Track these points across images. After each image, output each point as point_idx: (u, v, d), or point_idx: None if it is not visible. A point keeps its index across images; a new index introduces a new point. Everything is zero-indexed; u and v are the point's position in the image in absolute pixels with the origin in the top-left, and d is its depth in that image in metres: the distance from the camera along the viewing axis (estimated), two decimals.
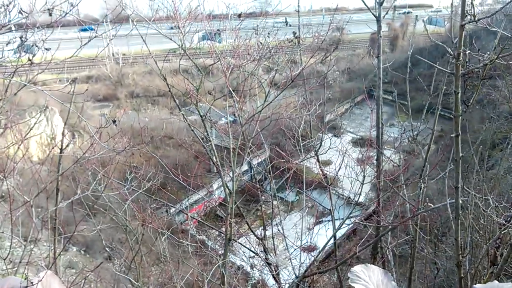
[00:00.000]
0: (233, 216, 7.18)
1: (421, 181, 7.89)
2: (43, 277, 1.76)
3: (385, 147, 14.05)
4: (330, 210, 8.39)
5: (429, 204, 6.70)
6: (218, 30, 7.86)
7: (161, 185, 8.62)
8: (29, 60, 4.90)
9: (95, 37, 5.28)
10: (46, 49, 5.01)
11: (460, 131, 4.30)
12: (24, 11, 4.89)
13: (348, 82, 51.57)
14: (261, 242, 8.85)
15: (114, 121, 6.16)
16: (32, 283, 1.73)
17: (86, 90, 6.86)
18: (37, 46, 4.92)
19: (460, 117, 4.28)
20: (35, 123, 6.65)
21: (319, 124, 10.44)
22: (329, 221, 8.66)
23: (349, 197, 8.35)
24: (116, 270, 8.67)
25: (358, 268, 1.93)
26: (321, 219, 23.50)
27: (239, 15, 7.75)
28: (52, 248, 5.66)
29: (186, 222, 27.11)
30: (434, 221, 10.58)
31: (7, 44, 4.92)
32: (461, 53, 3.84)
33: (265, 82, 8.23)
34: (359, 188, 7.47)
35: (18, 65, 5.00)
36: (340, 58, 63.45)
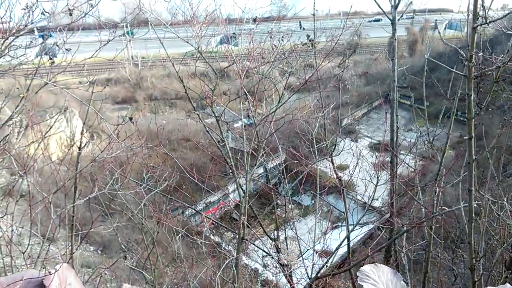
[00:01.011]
0: (246, 216, 7.24)
1: (436, 185, 7.81)
2: (59, 268, 1.83)
3: (402, 152, 13.92)
4: (345, 213, 8.36)
5: (443, 207, 6.63)
6: (233, 33, 7.96)
7: (177, 186, 8.71)
8: (50, 58, 5.05)
9: (113, 38, 5.40)
10: (67, 49, 5.15)
11: (473, 134, 4.30)
12: (46, 12, 5.04)
13: (366, 86, 51.16)
14: (274, 242, 8.86)
15: (130, 119, 6.31)
16: (50, 272, 1.80)
17: (104, 88, 6.99)
18: (57, 45, 5.06)
19: (473, 120, 4.27)
20: (54, 122, 6.82)
21: (333, 127, 10.41)
22: (344, 226, 8.63)
23: (365, 202, 8.29)
24: (131, 266, 8.78)
25: (367, 268, 1.93)
26: (336, 224, 23.36)
27: (254, 20, 7.84)
28: (69, 245, 5.78)
29: (202, 224, 27.27)
30: (452, 227, 10.41)
31: (29, 44, 5.08)
32: (473, 56, 3.83)
33: (279, 84, 8.27)
34: (374, 192, 7.43)
35: (39, 66, 5.15)
36: (358, 62, 63.10)
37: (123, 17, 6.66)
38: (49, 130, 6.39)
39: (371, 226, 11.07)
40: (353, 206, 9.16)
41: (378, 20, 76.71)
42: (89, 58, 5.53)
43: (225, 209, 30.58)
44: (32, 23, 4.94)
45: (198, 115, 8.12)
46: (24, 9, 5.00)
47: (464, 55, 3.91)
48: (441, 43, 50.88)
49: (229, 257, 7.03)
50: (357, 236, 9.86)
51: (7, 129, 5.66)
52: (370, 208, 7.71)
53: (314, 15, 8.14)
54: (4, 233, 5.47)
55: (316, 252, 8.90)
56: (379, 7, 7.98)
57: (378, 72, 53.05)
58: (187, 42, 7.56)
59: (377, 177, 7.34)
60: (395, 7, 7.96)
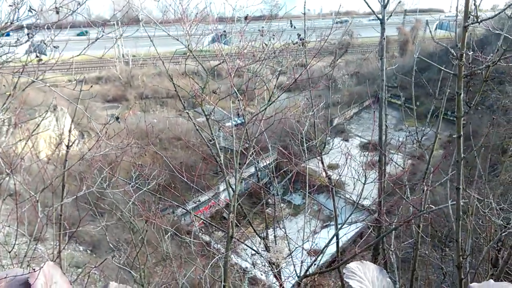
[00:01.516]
0: (235, 214, 7.23)
1: (424, 183, 7.90)
2: (43, 266, 1.80)
3: (392, 151, 14.00)
4: (333, 211, 8.41)
5: (430, 206, 6.70)
6: (224, 31, 7.94)
7: (167, 185, 8.66)
8: (37, 56, 4.98)
9: (101, 36, 5.34)
10: (55, 47, 5.09)
11: (462, 133, 4.33)
12: (33, 9, 4.97)
13: (357, 85, 51.44)
14: (263, 240, 8.88)
15: (117, 118, 6.26)
16: (34, 269, 1.78)
17: (91, 86, 6.93)
18: (45, 43, 5.00)
19: (462, 119, 4.29)
20: (42, 120, 6.73)
21: (324, 127, 10.44)
22: (334, 225, 8.65)
23: (354, 201, 8.33)
24: (119, 265, 8.71)
25: (353, 265, 1.93)
26: (327, 223, 23.45)
27: (245, 18, 7.82)
28: (57, 244, 5.72)
29: (192, 223, 27.13)
30: (441, 226, 10.52)
31: (15, 42, 5.00)
32: (464, 54, 3.86)
33: (269, 82, 8.27)
34: (362, 190, 7.47)
35: (26, 63, 5.08)
36: (349, 61, 63.39)
37: (113, 15, 6.60)
38: (37, 128, 6.31)
39: (360, 225, 11.12)
40: (343, 205, 9.20)
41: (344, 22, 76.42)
42: (77, 55, 5.46)
43: (216, 209, 30.54)
44: (18, 20, 4.86)
45: (188, 113, 8.09)
46: (11, 5, 4.93)
47: (455, 54, 3.93)
48: (431, 43, 51.31)
49: (218, 256, 7.02)
50: (346, 234, 9.89)
51: None
52: (359, 207, 7.74)
53: (304, 14, 8.15)
54: None
55: (305, 251, 8.93)
56: (369, 6, 8.02)
57: (369, 71, 53.33)
58: (178, 40, 7.52)
59: (365, 176, 7.37)
60: (384, 6, 8.00)
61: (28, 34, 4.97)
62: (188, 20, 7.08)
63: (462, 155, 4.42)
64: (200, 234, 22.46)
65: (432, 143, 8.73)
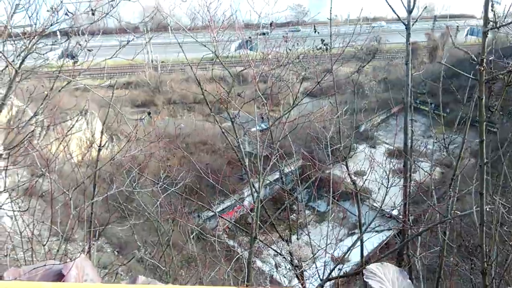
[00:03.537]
0: (258, 216, 7.34)
1: (450, 190, 7.78)
2: (76, 259, 1.92)
3: (420, 159, 13.73)
4: (358, 217, 8.37)
5: (456, 212, 6.59)
6: (249, 37, 8.08)
7: (193, 189, 8.80)
8: (73, 57, 5.23)
9: (132, 39, 5.57)
10: (89, 50, 5.33)
11: (484, 137, 4.34)
12: (70, 12, 5.22)
13: (385, 92, 50.69)
14: (287, 243, 8.92)
15: (149, 113, 6.55)
16: (71, 259, 1.90)
17: (127, 91, 7.19)
18: (80, 45, 5.24)
19: (485, 123, 4.32)
20: (75, 122, 7.04)
21: (349, 132, 10.40)
22: (364, 232, 8.60)
23: (380, 208, 8.26)
24: (148, 258, 8.91)
25: (373, 266, 1.95)
26: (352, 231, 23.14)
27: (270, 24, 7.96)
28: (87, 242, 5.95)
29: (217, 227, 27.36)
30: (469, 236, 10.26)
31: (52, 45, 5.26)
32: (485, 60, 3.87)
33: (293, 86, 8.36)
34: (386, 195, 7.42)
35: (62, 66, 5.32)
36: (377, 68, 62.58)
37: (142, 20, 6.84)
38: (70, 129, 6.60)
39: (387, 234, 10.99)
40: (370, 214, 9.12)
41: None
42: (109, 58, 5.70)
43: (240, 214, 30.66)
44: (57, 23, 5.13)
45: (214, 116, 8.25)
46: (49, 10, 5.21)
47: (476, 60, 3.94)
48: (462, 49, 49.94)
49: (240, 255, 7.12)
50: (370, 241, 9.79)
51: (29, 128, 5.85)
52: (385, 215, 7.68)
53: (330, 19, 8.17)
54: (27, 227, 5.64)
55: (329, 254, 8.90)
56: (394, 12, 7.97)
57: (397, 78, 52.50)
58: (205, 46, 7.70)
59: (388, 179, 7.33)
60: (409, 11, 7.94)
61: (67, 34, 5.22)
62: (215, 27, 7.25)
63: (485, 160, 4.42)
64: (225, 237, 22.60)
65: (460, 149, 8.56)
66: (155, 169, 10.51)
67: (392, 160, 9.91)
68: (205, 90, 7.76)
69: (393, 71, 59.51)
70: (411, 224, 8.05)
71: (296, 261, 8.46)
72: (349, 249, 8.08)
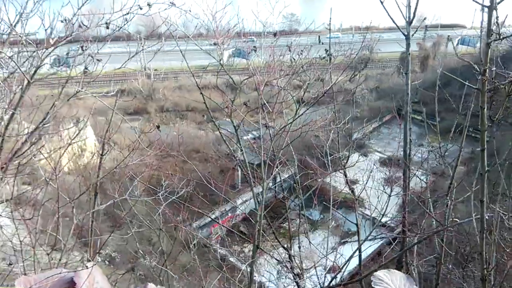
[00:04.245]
0: (261, 224, 7.34)
1: (447, 198, 7.87)
2: (86, 267, 1.92)
3: (413, 167, 13.81)
4: (356, 225, 8.40)
5: (455, 219, 6.67)
6: (254, 47, 8.14)
7: (186, 198, 8.74)
8: (86, 68, 5.27)
9: (141, 50, 5.65)
10: (98, 60, 5.36)
11: (485, 146, 4.44)
12: (84, 25, 5.26)
13: (377, 100, 51.06)
14: (287, 251, 8.91)
15: (158, 127, 6.59)
16: (87, 266, 1.90)
17: (133, 99, 7.19)
18: (92, 56, 5.29)
19: (486, 133, 4.41)
20: (80, 130, 7.09)
21: (345, 141, 10.44)
22: (355, 241, 8.63)
23: (374, 218, 8.33)
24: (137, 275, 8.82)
25: (381, 273, 1.95)
26: (345, 239, 23.14)
27: (275, 34, 8.05)
28: (88, 251, 5.92)
29: (210, 237, 27.22)
30: (462, 243, 10.33)
31: (67, 54, 5.30)
32: (487, 70, 3.93)
33: (294, 97, 8.41)
34: (385, 205, 7.45)
35: (70, 76, 5.35)
36: (369, 76, 63.11)
37: (137, 30, 6.87)
38: (75, 136, 6.62)
39: (380, 242, 11.03)
40: (363, 222, 9.14)
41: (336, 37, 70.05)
42: (118, 68, 5.76)
43: (233, 222, 30.52)
44: (71, 35, 5.16)
45: (213, 120, 8.25)
46: (63, 21, 5.24)
47: (478, 69, 3.99)
48: (453, 58, 50.66)
49: (238, 270, 7.08)
50: (365, 250, 9.80)
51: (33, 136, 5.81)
52: (380, 223, 7.71)
53: (329, 29, 8.26)
54: (30, 236, 5.58)
55: (330, 261, 8.90)
56: (394, 23, 8.09)
57: (389, 87, 52.95)
58: (210, 54, 7.80)
59: (384, 190, 7.38)
60: (409, 22, 8.04)
61: (82, 46, 5.27)
62: (220, 36, 7.32)
63: (486, 168, 4.49)
64: (218, 246, 22.43)
65: (456, 158, 8.66)
66: (151, 178, 10.44)
67: (385, 169, 9.98)
68: (209, 98, 7.79)
69: (384, 80, 60.06)
70: (413, 231, 8.11)
71: (297, 269, 8.46)
72: (350, 258, 8.11)
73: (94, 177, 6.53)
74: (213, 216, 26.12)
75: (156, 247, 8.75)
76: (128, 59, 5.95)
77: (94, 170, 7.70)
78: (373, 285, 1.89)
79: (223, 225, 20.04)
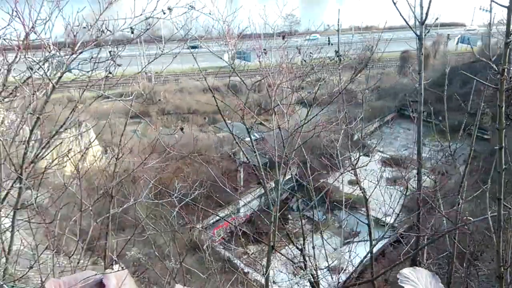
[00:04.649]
0: (277, 225, 7.37)
1: (459, 197, 7.94)
2: (115, 269, 1.97)
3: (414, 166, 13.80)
4: (368, 226, 8.48)
5: (469, 218, 6.71)
6: (264, 49, 8.19)
7: (195, 200, 8.77)
8: (110, 73, 5.36)
9: (161, 55, 5.77)
10: (118, 65, 5.43)
11: (503, 144, 4.54)
12: (108, 30, 5.34)
13: (378, 100, 51.01)
14: (301, 252, 8.96)
15: (182, 129, 6.69)
16: (114, 267, 1.96)
17: (158, 101, 7.25)
18: (114, 61, 5.38)
19: (504, 131, 4.48)
20: (95, 139, 7.19)
21: (352, 140, 10.49)
22: (361, 241, 8.69)
23: (378, 219, 8.39)
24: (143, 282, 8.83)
25: (406, 271, 1.99)
26: (349, 239, 23.15)
27: (283, 36, 8.14)
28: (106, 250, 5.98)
29: (212, 239, 27.22)
30: (470, 241, 10.36)
31: (90, 59, 5.39)
32: (505, 69, 4.12)
33: (305, 98, 8.49)
34: (395, 205, 7.50)
35: (90, 78, 5.41)
36: (370, 76, 63.07)
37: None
38: (93, 141, 6.66)
39: (384, 242, 11.06)
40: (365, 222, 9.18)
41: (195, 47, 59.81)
42: (138, 73, 5.86)
43: (236, 224, 30.51)
44: (96, 40, 5.23)
45: (226, 124, 8.29)
46: (85, 27, 5.31)
47: (496, 69, 4.18)
48: (453, 57, 50.64)
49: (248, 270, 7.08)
50: (366, 250, 9.86)
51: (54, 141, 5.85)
52: (389, 223, 7.78)
53: (338, 30, 8.35)
54: (52, 239, 5.61)
55: (333, 271, 8.94)
56: (406, 22, 8.20)
57: (390, 86, 52.91)
58: (221, 58, 7.91)
59: (397, 190, 7.44)
60: (421, 23, 8.09)
61: (110, 51, 5.37)
62: (231, 38, 7.40)
63: (504, 166, 4.61)
64: (221, 249, 22.47)
65: (459, 159, 8.73)
66: (157, 181, 10.48)
67: (387, 169, 9.99)
68: (221, 101, 7.89)
69: (385, 79, 60.00)
70: (426, 231, 8.16)
71: (312, 269, 8.50)
72: (364, 258, 8.17)
73: (109, 181, 6.58)
74: (218, 218, 26.17)
75: (162, 249, 8.76)
76: (149, 62, 6.06)
77: (99, 174, 7.72)
78: (399, 283, 1.93)
79: (235, 225, 20.09)
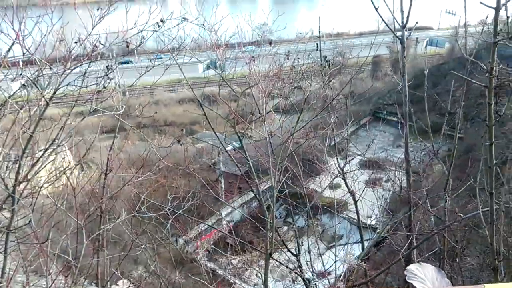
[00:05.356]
0: (273, 231, 7.33)
1: (445, 194, 8.13)
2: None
3: (392, 168, 14.06)
4: (359, 229, 8.54)
5: (459, 214, 6.85)
6: (252, 57, 8.20)
7: (172, 213, 8.65)
8: (104, 87, 5.30)
9: (153, 66, 5.72)
10: (110, 78, 5.38)
11: (493, 140, 4.68)
12: (102, 44, 5.27)
13: (353, 105, 51.75)
14: (296, 258, 8.94)
15: (179, 141, 6.67)
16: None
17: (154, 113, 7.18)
18: (107, 75, 5.33)
19: (493, 127, 4.64)
20: (86, 154, 7.09)
21: (322, 147, 10.61)
22: (344, 244, 8.75)
23: (364, 222, 8.53)
24: None
25: (413, 267, 2.05)
26: (332, 244, 23.27)
27: (270, 43, 8.20)
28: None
29: (196, 251, 26.90)
30: (459, 237, 10.63)
31: (84, 74, 5.31)
32: (493, 68, 4.27)
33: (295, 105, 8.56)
34: (377, 209, 7.59)
35: (79, 94, 5.35)
36: (343, 82, 64.04)
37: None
38: (85, 154, 6.54)
39: (367, 245, 11.25)
40: (349, 226, 9.26)
41: (127, 62, 46.19)
42: (130, 86, 5.82)
43: (219, 235, 30.27)
44: (90, 56, 5.15)
45: (224, 140, 8.23)
46: (77, 42, 5.21)
47: (485, 68, 4.33)
48: (423, 60, 52.02)
49: (230, 282, 7.01)
50: (355, 254, 9.94)
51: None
52: (368, 226, 7.86)
53: (319, 37, 8.47)
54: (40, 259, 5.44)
55: (318, 276, 8.95)
56: (388, 27, 8.37)
57: (363, 91, 53.83)
58: (212, 68, 7.88)
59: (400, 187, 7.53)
60: (403, 26, 8.25)
61: (107, 66, 5.32)
62: (220, 48, 7.40)
63: (494, 161, 4.77)
64: (206, 260, 22.22)
65: (451, 155, 9.04)
66: (133, 195, 10.32)
67: (366, 172, 10.13)
68: (212, 110, 7.82)
69: (358, 84, 60.99)
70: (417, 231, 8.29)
71: (309, 274, 8.49)
72: (360, 258, 8.19)
73: (99, 197, 6.45)
74: (202, 228, 25.85)
75: (142, 264, 8.59)
76: (142, 74, 6.02)
77: (72, 191, 7.55)
78: (407, 280, 1.98)
79: (230, 236, 19.88)
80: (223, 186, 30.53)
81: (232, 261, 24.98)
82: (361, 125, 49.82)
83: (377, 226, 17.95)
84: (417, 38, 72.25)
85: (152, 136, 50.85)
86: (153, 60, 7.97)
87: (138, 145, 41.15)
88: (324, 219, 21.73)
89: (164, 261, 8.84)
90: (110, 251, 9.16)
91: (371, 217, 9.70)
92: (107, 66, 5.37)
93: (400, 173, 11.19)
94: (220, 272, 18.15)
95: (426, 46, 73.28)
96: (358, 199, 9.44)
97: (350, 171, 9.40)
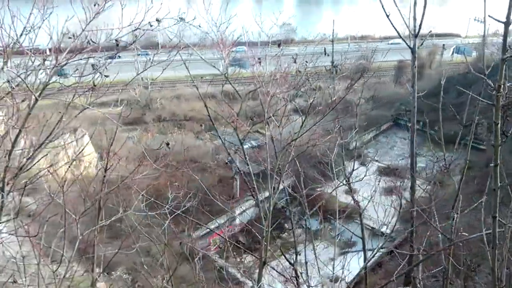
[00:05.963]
0: (268, 239, 7.22)
1: (453, 211, 7.80)
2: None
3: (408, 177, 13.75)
4: (362, 239, 8.39)
5: (464, 233, 6.60)
6: (259, 58, 8.16)
7: (187, 210, 8.64)
8: (94, 85, 5.29)
9: (152, 64, 5.72)
10: (106, 76, 5.37)
11: (499, 161, 4.44)
12: (93, 42, 5.28)
13: (374, 110, 51.08)
14: (293, 266, 8.81)
15: (167, 144, 6.62)
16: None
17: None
18: (100, 73, 5.33)
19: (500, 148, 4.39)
20: (86, 146, 7.07)
21: (340, 151, 10.45)
22: (357, 251, 8.60)
23: (374, 228, 8.30)
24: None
25: None
26: (345, 250, 22.99)
27: (279, 45, 8.12)
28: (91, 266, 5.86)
29: (208, 247, 27.02)
30: (466, 255, 10.26)
31: (75, 71, 5.32)
32: (502, 86, 4.03)
33: (289, 109, 8.40)
34: (390, 217, 7.41)
35: (77, 87, 5.35)
36: (365, 86, 63.18)
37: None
38: (82, 150, 6.55)
39: (380, 253, 11.00)
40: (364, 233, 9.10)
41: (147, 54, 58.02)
42: (130, 81, 5.81)
43: (232, 233, 30.28)
44: (81, 52, 5.17)
45: (216, 132, 8.17)
46: (70, 38, 5.23)
47: (492, 85, 4.10)
48: (448, 67, 50.95)
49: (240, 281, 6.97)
50: (367, 261, 9.74)
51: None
52: (381, 234, 7.68)
53: (332, 41, 8.34)
54: (35, 250, 5.50)
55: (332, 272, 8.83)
56: (399, 35, 8.17)
57: (386, 96, 53.05)
58: (214, 67, 7.89)
59: (390, 203, 7.34)
60: (415, 35, 8.06)
61: (93, 65, 5.32)
62: (225, 46, 7.38)
63: (499, 184, 4.52)
64: (217, 258, 22.28)
65: (455, 169, 8.64)
66: (149, 190, 10.37)
67: (384, 179, 9.94)
68: (213, 110, 7.80)
69: (381, 89, 60.16)
70: (419, 248, 8.01)
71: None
72: (360, 271, 8.05)
73: (97, 191, 6.46)
74: (212, 226, 25.95)
75: (155, 259, 8.61)
76: (144, 70, 6.02)
77: (93, 181, 7.62)
78: None
79: (228, 236, 19.90)
80: (238, 184, 30.51)
81: (242, 260, 25.00)
82: (381, 130, 49.09)
83: (392, 235, 17.68)
84: (443, 45, 70.75)
85: (171, 130, 51.30)
86: (173, 55, 7.99)
87: (158, 138, 41.61)
88: (338, 225, 21.48)
89: (173, 257, 8.84)
90: (123, 244, 9.27)
91: (386, 224, 9.47)
92: (92, 65, 5.35)
93: (420, 181, 10.93)
94: (230, 270, 18.13)
95: (452, 53, 71.70)
96: (366, 206, 9.24)
97: (357, 180, 9.14)
